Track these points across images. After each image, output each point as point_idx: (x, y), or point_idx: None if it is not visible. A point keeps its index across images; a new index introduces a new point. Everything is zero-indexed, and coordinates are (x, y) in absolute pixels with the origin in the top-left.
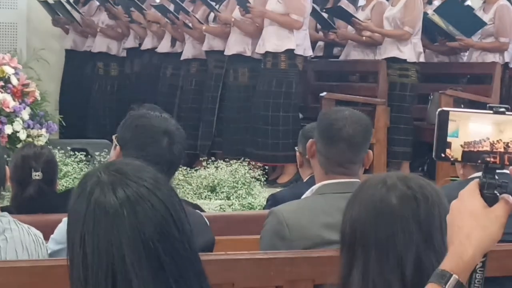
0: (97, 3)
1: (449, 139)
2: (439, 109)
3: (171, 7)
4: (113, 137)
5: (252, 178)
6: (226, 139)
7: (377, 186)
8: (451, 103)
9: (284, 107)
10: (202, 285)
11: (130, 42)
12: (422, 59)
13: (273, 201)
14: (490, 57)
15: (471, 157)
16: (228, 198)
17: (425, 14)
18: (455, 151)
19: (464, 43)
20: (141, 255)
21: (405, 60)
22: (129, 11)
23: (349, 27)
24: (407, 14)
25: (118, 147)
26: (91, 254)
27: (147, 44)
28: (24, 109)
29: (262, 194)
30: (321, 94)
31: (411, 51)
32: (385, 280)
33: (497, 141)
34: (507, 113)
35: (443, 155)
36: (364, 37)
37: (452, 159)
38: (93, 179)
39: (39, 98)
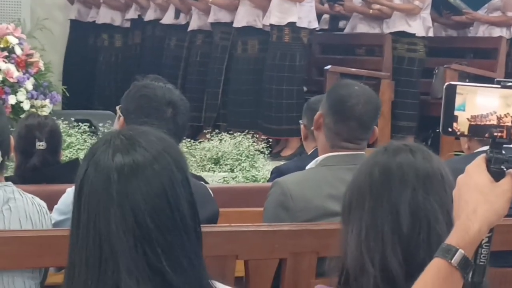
0: None
1: (456, 112)
2: (446, 83)
3: None
4: (117, 107)
5: (256, 151)
6: (231, 111)
7: (378, 152)
8: (456, 78)
9: (288, 80)
10: (192, 259)
11: (131, 13)
12: (431, 34)
13: (277, 173)
14: (497, 31)
15: (477, 131)
16: (232, 171)
17: None
18: (461, 124)
19: (471, 17)
20: (128, 221)
21: (413, 35)
22: None
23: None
24: None
25: (121, 117)
26: (83, 212)
27: (150, 15)
28: (28, 79)
29: (265, 167)
30: (325, 68)
31: (420, 25)
32: (378, 231)
33: (505, 115)
34: None
35: (450, 129)
36: (371, 10)
37: (458, 133)
38: (102, 141)
39: (43, 69)
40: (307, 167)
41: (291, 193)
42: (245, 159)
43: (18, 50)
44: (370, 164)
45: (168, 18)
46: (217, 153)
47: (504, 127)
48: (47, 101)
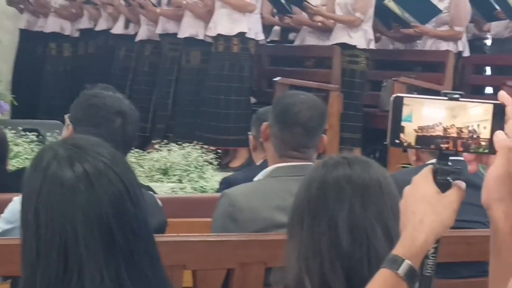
0: None
1: (402, 123)
2: (393, 95)
3: None
4: (66, 116)
5: (204, 161)
6: (178, 122)
7: (318, 167)
8: (404, 90)
9: (236, 91)
10: (154, 264)
11: (85, 23)
12: (372, 46)
13: (226, 184)
14: (444, 45)
15: (424, 141)
16: (180, 181)
17: (380, 0)
18: (408, 135)
19: (419, 30)
20: (94, 230)
21: (355, 46)
22: None
23: (304, 12)
24: (358, 0)
25: (70, 126)
26: (44, 227)
27: (102, 25)
28: None
29: (214, 177)
30: (274, 79)
31: (362, 37)
32: (316, 248)
33: (451, 126)
34: (460, 99)
35: (397, 140)
36: (319, 23)
37: (405, 144)
38: (50, 153)
39: None
40: (256, 178)
41: (239, 204)
42: (193, 170)
43: None
44: (308, 179)
45: (118, 28)
46: (166, 164)
47: (450, 138)
48: None
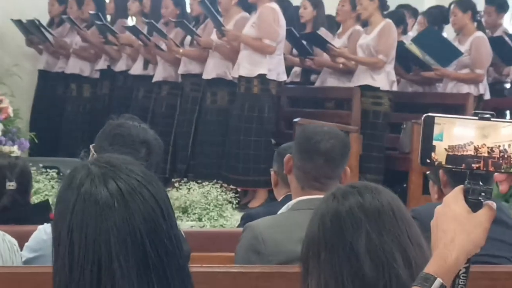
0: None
1: (434, 142)
2: (424, 115)
3: (145, 30)
4: (91, 146)
5: (224, 200)
6: (199, 162)
7: (328, 199)
8: None
9: (256, 131)
10: (185, 282)
11: (104, 64)
12: (395, 88)
13: (247, 218)
14: (465, 88)
15: (455, 160)
16: (200, 220)
17: (401, 43)
18: (439, 154)
19: (440, 73)
20: (128, 247)
21: (378, 88)
22: (104, 32)
23: (325, 54)
24: (381, 42)
25: (95, 156)
26: (78, 244)
27: (121, 66)
28: None
29: (233, 216)
30: (294, 120)
31: (384, 79)
32: (337, 280)
33: (481, 145)
34: (492, 119)
35: (428, 160)
36: (341, 65)
37: (436, 163)
38: (83, 171)
39: (12, 115)
40: (279, 211)
41: (262, 236)
42: (213, 209)
43: None
44: (320, 213)
45: (137, 69)
46: (185, 202)
47: (481, 158)
48: (15, 147)
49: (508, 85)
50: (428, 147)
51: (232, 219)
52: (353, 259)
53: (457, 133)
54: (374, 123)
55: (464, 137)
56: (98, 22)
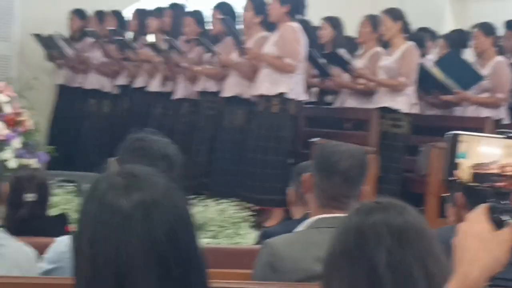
0: (91, 40)
1: (457, 160)
2: (450, 132)
3: (165, 47)
4: (109, 159)
5: (240, 218)
6: (215, 180)
7: (352, 214)
8: (441, 156)
9: (274, 151)
10: None
11: (123, 80)
12: (415, 111)
13: (265, 236)
14: (485, 112)
15: (480, 178)
16: (216, 237)
17: (420, 66)
18: (464, 172)
19: (462, 96)
20: (150, 258)
21: (398, 110)
22: (124, 49)
23: (344, 74)
24: (403, 64)
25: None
26: (99, 255)
27: (140, 82)
28: (16, 137)
29: (249, 234)
30: (311, 140)
31: (405, 101)
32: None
33: (507, 164)
34: None
35: (451, 178)
36: (359, 86)
37: (459, 181)
38: (106, 182)
39: (32, 128)
40: (297, 229)
41: (280, 254)
42: (229, 226)
43: (8, 108)
44: (344, 228)
45: (155, 85)
46: (201, 219)
47: (506, 176)
48: (34, 160)
49: None
50: (452, 164)
51: (248, 237)
52: (373, 273)
53: (482, 151)
54: (392, 145)
55: (489, 155)
56: (118, 38)
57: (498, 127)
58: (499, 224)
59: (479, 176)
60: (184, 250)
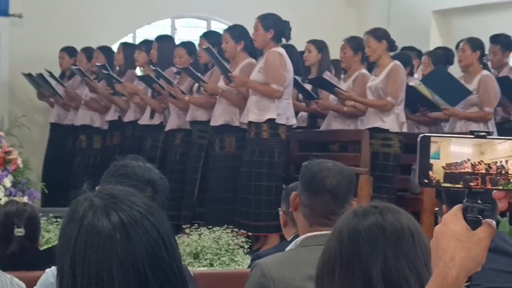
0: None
1: (431, 161)
2: (421, 135)
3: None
4: (96, 188)
5: (235, 245)
6: (209, 209)
7: (348, 216)
8: None
9: (267, 176)
10: None
11: (111, 115)
12: (404, 129)
13: (257, 259)
14: (474, 127)
15: (452, 178)
16: (212, 265)
17: (407, 84)
18: (437, 172)
19: (450, 112)
20: (130, 279)
21: (387, 130)
22: (112, 83)
23: (331, 97)
24: (389, 84)
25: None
26: (81, 277)
27: (130, 116)
28: (6, 176)
29: (245, 261)
30: (303, 163)
31: (394, 121)
32: None
33: (479, 162)
34: (488, 137)
35: (426, 180)
36: (345, 108)
37: (434, 182)
38: (85, 203)
39: (21, 166)
40: (287, 248)
41: (271, 274)
42: (224, 253)
43: None
44: (339, 229)
45: (145, 119)
46: (197, 248)
47: (478, 175)
48: (25, 198)
49: None
50: (425, 167)
51: (244, 264)
52: (367, 281)
53: (454, 151)
54: (384, 165)
55: (461, 154)
56: (105, 72)
57: None
58: (474, 224)
59: (452, 176)
60: (165, 270)
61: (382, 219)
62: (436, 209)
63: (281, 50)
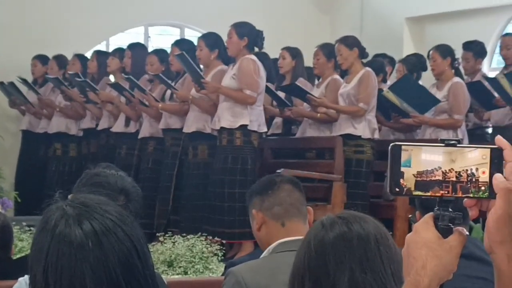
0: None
1: (402, 168)
2: (391, 144)
3: (127, 86)
4: (69, 196)
5: (209, 253)
6: (184, 217)
7: (316, 229)
8: None
9: (240, 184)
10: None
11: (87, 123)
12: (376, 136)
13: (231, 266)
14: (444, 134)
15: (423, 186)
16: (186, 273)
17: (380, 91)
18: (408, 180)
19: (419, 120)
20: (103, 287)
21: (359, 137)
22: (85, 91)
23: (305, 104)
24: (361, 91)
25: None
26: (53, 285)
27: (104, 124)
28: None
29: (219, 269)
30: (277, 171)
31: (366, 127)
32: None
33: (449, 170)
34: (458, 145)
35: (397, 189)
36: (319, 114)
37: (405, 189)
38: (57, 212)
39: None
40: (261, 255)
41: (245, 281)
42: (198, 261)
43: None
44: (307, 240)
45: (119, 126)
46: (171, 256)
47: (449, 182)
48: None
49: (490, 130)
50: (396, 175)
51: (218, 272)
52: None
53: (425, 159)
54: (357, 172)
55: (432, 162)
56: (78, 79)
57: None
58: (445, 232)
59: (423, 184)
60: (138, 279)
61: (348, 231)
62: (410, 216)
63: (254, 57)
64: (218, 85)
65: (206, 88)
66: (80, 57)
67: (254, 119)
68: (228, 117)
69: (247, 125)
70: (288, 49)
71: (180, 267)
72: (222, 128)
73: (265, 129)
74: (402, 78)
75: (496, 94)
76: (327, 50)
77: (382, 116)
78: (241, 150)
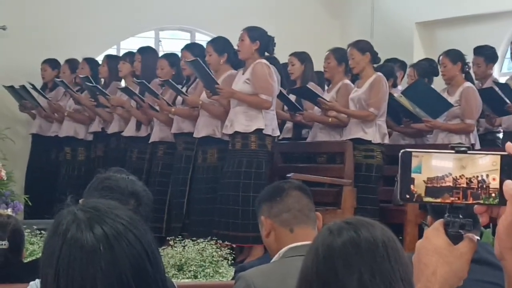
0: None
1: (412, 175)
2: (402, 150)
3: (137, 90)
4: (80, 201)
5: (219, 257)
6: (194, 221)
7: (324, 234)
8: None
9: (255, 187)
10: None
11: (97, 126)
12: (386, 141)
13: (241, 271)
14: (456, 139)
15: (434, 193)
16: (196, 277)
17: (391, 96)
18: (418, 186)
19: (431, 125)
20: None
21: (370, 141)
22: (95, 95)
23: (316, 109)
24: (372, 95)
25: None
26: None
27: (114, 127)
28: None
29: (229, 273)
30: (288, 175)
31: (376, 132)
32: None
33: (460, 176)
34: (468, 152)
35: (407, 196)
36: (330, 119)
37: (416, 196)
38: (69, 217)
39: (5, 178)
40: (272, 260)
41: (256, 286)
42: (208, 265)
43: None
44: (315, 247)
45: (130, 130)
46: (181, 260)
47: (460, 189)
48: (9, 210)
49: (501, 135)
50: (407, 181)
51: (228, 276)
52: None
53: (435, 165)
54: (367, 176)
55: (443, 168)
56: (89, 84)
57: None
58: (455, 239)
59: (433, 190)
60: (148, 283)
61: (356, 236)
62: (422, 221)
63: (267, 61)
64: (233, 90)
65: (220, 93)
66: (89, 61)
67: (268, 123)
68: (242, 121)
69: (262, 129)
70: (296, 54)
71: (190, 271)
72: (236, 132)
73: (278, 133)
74: (415, 82)
75: (508, 101)
76: (338, 54)
77: (392, 121)
78: (256, 154)
